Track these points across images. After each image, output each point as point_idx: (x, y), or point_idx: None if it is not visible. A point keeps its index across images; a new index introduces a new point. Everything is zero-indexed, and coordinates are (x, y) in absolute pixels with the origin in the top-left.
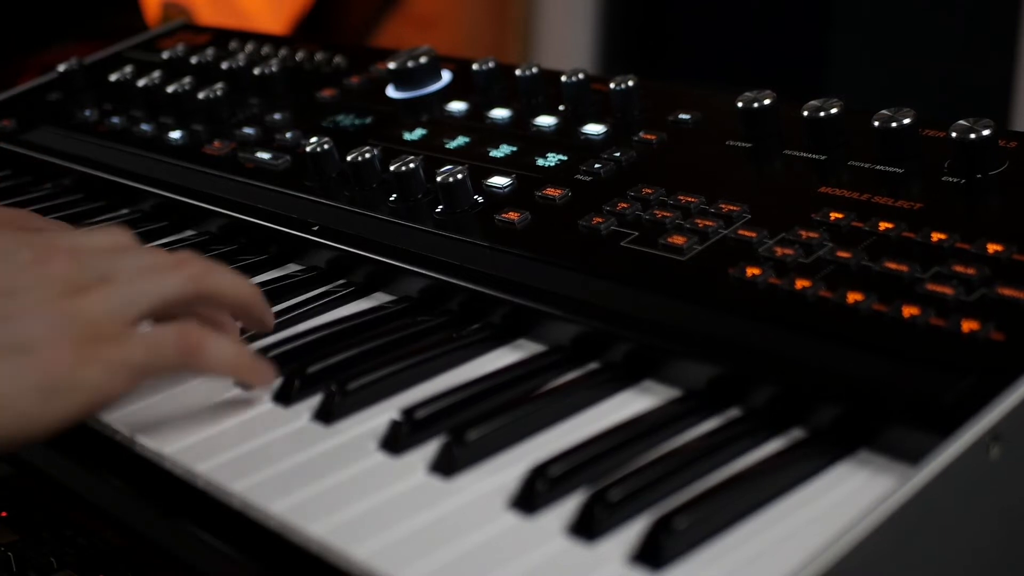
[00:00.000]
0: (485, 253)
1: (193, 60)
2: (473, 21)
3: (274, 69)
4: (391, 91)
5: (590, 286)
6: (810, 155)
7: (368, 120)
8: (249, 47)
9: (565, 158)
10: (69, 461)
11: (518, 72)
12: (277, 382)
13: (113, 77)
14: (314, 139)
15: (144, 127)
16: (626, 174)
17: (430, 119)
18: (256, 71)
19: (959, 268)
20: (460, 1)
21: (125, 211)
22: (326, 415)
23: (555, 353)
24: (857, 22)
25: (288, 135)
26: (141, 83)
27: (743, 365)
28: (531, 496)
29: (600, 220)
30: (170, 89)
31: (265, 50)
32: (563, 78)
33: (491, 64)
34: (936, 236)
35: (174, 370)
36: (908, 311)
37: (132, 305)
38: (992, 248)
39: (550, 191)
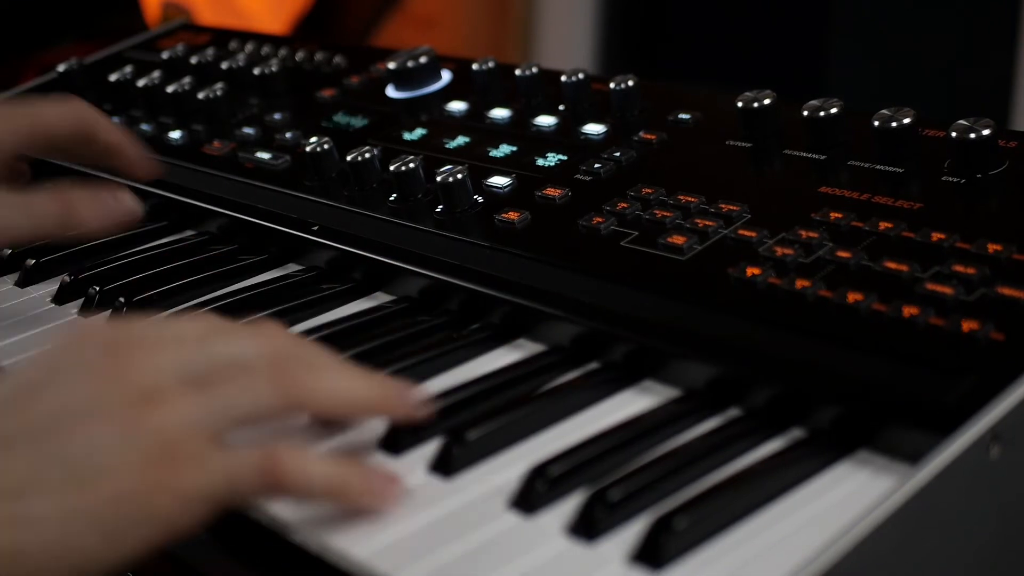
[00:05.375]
0: (485, 253)
1: (193, 60)
2: (473, 21)
3: (274, 69)
4: (391, 91)
5: (590, 286)
6: (810, 155)
7: (368, 120)
8: (249, 47)
9: (565, 158)
10: None
11: (518, 72)
12: None
13: (113, 77)
14: (314, 139)
15: (144, 127)
16: (626, 174)
17: (430, 119)
18: (256, 71)
19: (959, 268)
20: (460, 1)
21: None
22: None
23: (555, 353)
24: (857, 22)
25: (288, 135)
26: (141, 83)
27: (743, 365)
28: (531, 496)
29: (600, 220)
30: (170, 89)
31: (265, 50)
32: (563, 78)
33: (491, 64)
34: (936, 236)
35: (259, 498)
36: (908, 311)
37: (215, 419)
38: (992, 248)
39: (550, 191)
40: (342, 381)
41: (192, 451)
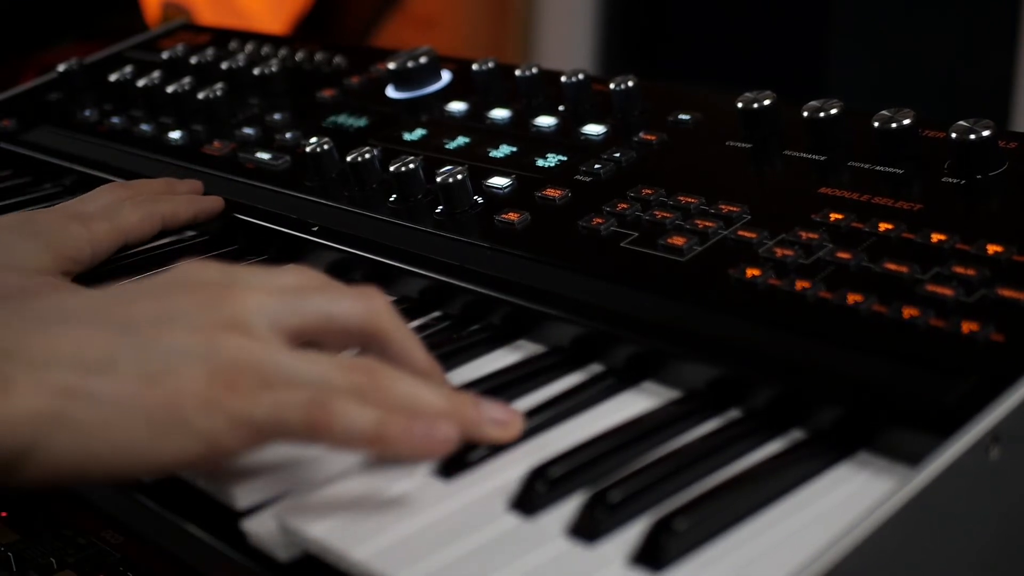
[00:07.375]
0: (485, 254)
1: (193, 60)
2: (473, 21)
3: (274, 69)
4: (391, 91)
5: (590, 287)
6: (810, 156)
7: (368, 120)
8: (249, 47)
9: (565, 159)
10: None
11: (518, 72)
12: None
13: (113, 77)
14: (314, 139)
15: (144, 127)
16: (626, 175)
17: (430, 119)
18: (256, 71)
19: (959, 269)
20: (460, 1)
21: None
22: None
23: (555, 354)
24: (857, 22)
25: (288, 135)
26: (141, 83)
27: (743, 366)
28: (531, 497)
29: (600, 221)
30: (170, 89)
31: (265, 50)
32: (563, 78)
33: (491, 64)
34: (936, 237)
35: (300, 440)
36: (908, 312)
37: (287, 317)
38: (992, 249)
39: (550, 192)
40: (417, 340)
41: (253, 382)
